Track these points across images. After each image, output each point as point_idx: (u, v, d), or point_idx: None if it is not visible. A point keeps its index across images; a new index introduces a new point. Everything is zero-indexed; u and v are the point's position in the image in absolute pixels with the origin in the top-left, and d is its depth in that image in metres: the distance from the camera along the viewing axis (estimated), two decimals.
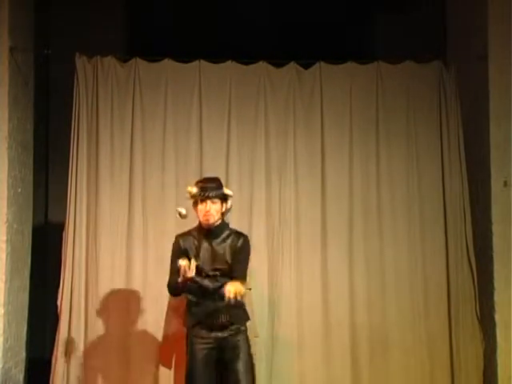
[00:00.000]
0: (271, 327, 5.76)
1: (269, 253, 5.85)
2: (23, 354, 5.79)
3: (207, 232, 4.72)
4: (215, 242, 4.71)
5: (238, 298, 4.45)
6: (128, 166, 5.85)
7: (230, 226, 4.95)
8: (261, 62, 6.01)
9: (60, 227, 5.86)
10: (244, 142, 5.96)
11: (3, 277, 5.43)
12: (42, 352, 6.15)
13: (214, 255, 4.68)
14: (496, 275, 5.77)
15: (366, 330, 5.83)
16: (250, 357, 4.76)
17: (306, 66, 6.04)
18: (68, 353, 5.61)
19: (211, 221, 4.70)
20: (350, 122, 6.02)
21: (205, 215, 4.69)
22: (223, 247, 4.72)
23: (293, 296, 5.82)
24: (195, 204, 4.77)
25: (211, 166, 5.77)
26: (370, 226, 5.94)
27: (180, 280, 4.53)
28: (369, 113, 6.04)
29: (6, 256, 5.46)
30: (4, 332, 5.42)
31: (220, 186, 4.79)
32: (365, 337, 5.82)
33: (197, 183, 4.83)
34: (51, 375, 5.64)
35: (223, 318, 4.65)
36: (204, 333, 4.66)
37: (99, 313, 5.69)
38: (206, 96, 5.94)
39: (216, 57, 5.95)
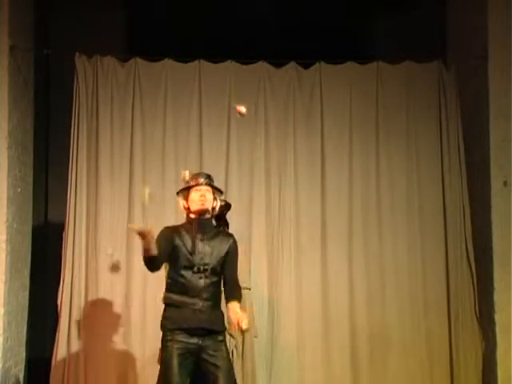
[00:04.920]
0: (271, 327, 5.77)
1: (268, 253, 5.85)
2: (23, 354, 5.79)
3: (197, 226, 4.52)
4: (205, 238, 4.50)
5: (244, 327, 4.34)
6: (128, 166, 5.87)
7: (228, 226, 4.87)
8: (261, 62, 6.01)
9: (60, 227, 5.86)
10: (244, 141, 5.96)
11: (3, 277, 5.43)
12: (41, 352, 6.15)
13: (204, 250, 4.47)
14: (496, 275, 5.76)
15: (366, 330, 5.84)
16: (231, 368, 4.51)
17: (306, 66, 6.05)
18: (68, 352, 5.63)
19: (206, 205, 4.50)
20: (349, 122, 6.03)
21: (200, 199, 4.49)
22: (212, 244, 4.50)
23: (293, 296, 5.83)
24: (185, 196, 4.57)
25: (211, 166, 5.76)
26: (369, 226, 5.94)
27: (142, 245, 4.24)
28: (369, 113, 6.04)
29: (6, 256, 5.46)
30: (4, 332, 5.42)
31: (212, 180, 4.65)
32: (364, 337, 5.83)
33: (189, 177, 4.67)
34: (51, 375, 5.64)
35: (204, 324, 4.40)
36: (182, 337, 4.39)
37: (99, 313, 5.69)
38: (205, 96, 5.94)
39: (216, 57, 5.94)
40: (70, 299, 5.68)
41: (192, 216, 4.56)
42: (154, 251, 4.28)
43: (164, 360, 4.42)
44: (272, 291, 5.82)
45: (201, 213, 4.54)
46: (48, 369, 5.68)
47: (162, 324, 4.50)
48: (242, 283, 5.23)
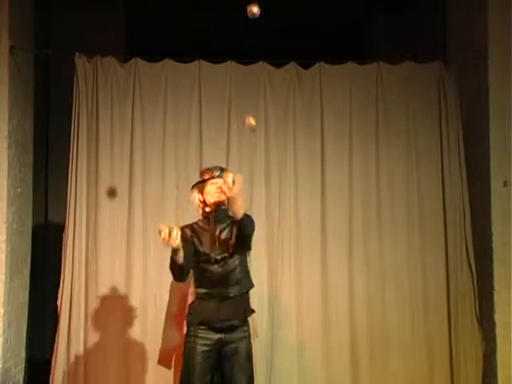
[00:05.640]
0: (271, 327, 5.77)
1: (268, 253, 5.85)
2: (23, 354, 5.79)
3: (214, 218, 4.61)
4: (220, 228, 4.60)
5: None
6: (128, 166, 5.86)
7: None
8: (261, 62, 6.01)
9: (60, 227, 5.86)
10: (244, 142, 5.96)
11: (3, 277, 5.43)
12: (42, 352, 6.15)
13: (221, 240, 4.57)
14: (496, 275, 5.76)
15: (366, 330, 5.83)
16: (250, 362, 4.62)
17: (306, 66, 6.05)
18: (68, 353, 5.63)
19: (224, 197, 4.55)
20: (349, 122, 6.02)
21: (216, 192, 4.58)
22: (228, 233, 4.61)
23: (292, 296, 5.83)
24: (200, 190, 4.67)
25: None
26: (369, 227, 5.94)
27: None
28: (369, 113, 6.04)
29: (6, 256, 5.47)
30: (4, 332, 5.42)
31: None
32: (364, 337, 5.83)
33: (201, 171, 4.80)
34: (51, 375, 5.64)
35: (228, 316, 4.50)
36: (206, 333, 4.49)
37: (99, 313, 5.69)
38: (205, 96, 5.94)
39: (216, 57, 5.95)
40: (70, 299, 5.68)
41: (207, 209, 4.65)
42: (180, 259, 4.35)
43: (186, 355, 4.50)
44: (272, 291, 5.82)
45: (218, 204, 4.63)
46: (48, 369, 5.68)
47: (187, 319, 4.59)
48: None
